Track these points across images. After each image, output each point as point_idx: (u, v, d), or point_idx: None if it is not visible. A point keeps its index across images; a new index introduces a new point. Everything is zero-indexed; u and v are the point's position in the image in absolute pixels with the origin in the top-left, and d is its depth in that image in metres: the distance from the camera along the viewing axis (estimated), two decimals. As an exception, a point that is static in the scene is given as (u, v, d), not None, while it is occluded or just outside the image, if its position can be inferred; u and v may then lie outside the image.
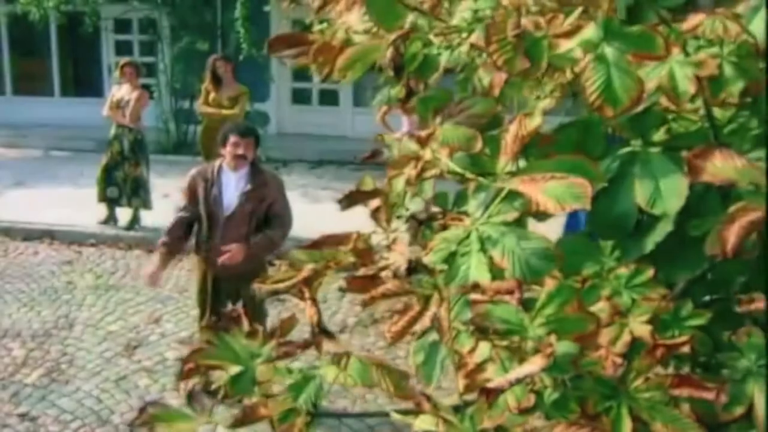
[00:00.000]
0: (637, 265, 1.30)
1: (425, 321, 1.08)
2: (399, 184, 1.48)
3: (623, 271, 1.32)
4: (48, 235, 7.86)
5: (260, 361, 1.19)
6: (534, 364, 0.93)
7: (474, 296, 1.07)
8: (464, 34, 1.54)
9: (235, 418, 0.99)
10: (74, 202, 8.82)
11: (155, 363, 5.41)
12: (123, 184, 7.73)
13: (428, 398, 0.95)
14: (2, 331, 5.85)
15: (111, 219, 7.98)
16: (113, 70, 12.52)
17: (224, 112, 7.54)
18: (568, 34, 1.09)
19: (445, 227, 1.48)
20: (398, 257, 1.53)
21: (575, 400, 1.02)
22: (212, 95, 7.54)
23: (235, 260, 4.48)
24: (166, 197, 8.44)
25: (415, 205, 1.53)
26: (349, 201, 1.57)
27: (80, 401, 4.92)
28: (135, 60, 8.12)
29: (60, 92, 13.05)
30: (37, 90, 12.99)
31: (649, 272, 1.29)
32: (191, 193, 4.66)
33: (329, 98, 12.54)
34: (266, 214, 4.62)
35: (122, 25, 12.21)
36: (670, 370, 1.19)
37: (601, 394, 1.03)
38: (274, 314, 5.19)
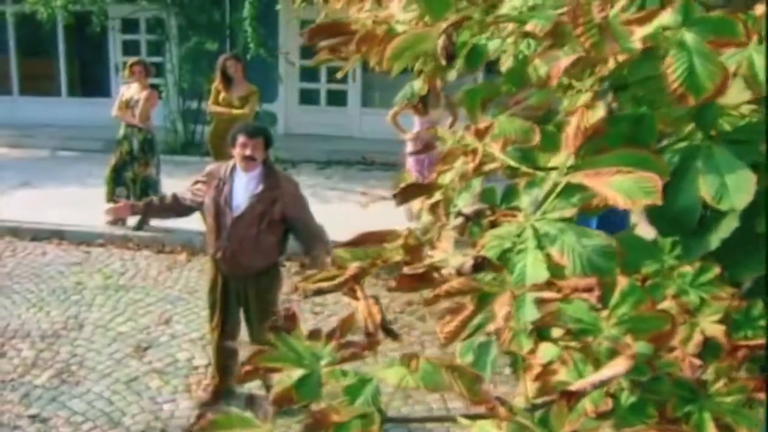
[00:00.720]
0: (702, 263, 1.24)
1: (498, 321, 1.02)
2: (448, 179, 1.42)
3: (688, 269, 1.26)
4: (56, 235, 7.81)
5: (324, 363, 1.13)
6: (618, 366, 0.87)
7: (547, 294, 1.02)
8: (513, 24, 1.49)
9: (306, 425, 0.93)
10: (82, 202, 8.76)
11: (166, 364, 5.36)
12: (132, 185, 7.69)
13: (503, 402, 0.89)
14: (11, 331, 5.80)
15: (120, 219, 7.91)
16: (120, 70, 12.50)
17: (234, 111, 7.49)
18: (643, 19, 1.03)
19: (494, 224, 1.43)
20: (445, 255, 1.48)
21: (653, 404, 0.97)
22: (222, 95, 7.49)
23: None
24: (175, 197, 8.43)
25: (461, 201, 1.48)
26: (403, 196, 1.51)
27: (91, 403, 4.87)
28: (144, 59, 8.06)
29: (67, 92, 13.01)
30: (44, 90, 12.95)
31: (716, 270, 1.24)
32: (203, 185, 4.62)
33: (337, 99, 12.50)
34: (284, 219, 4.56)
35: (129, 25, 12.17)
36: (741, 372, 1.13)
37: (680, 397, 0.98)
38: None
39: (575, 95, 1.65)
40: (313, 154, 11.18)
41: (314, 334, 1.16)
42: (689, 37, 1.05)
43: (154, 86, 8.03)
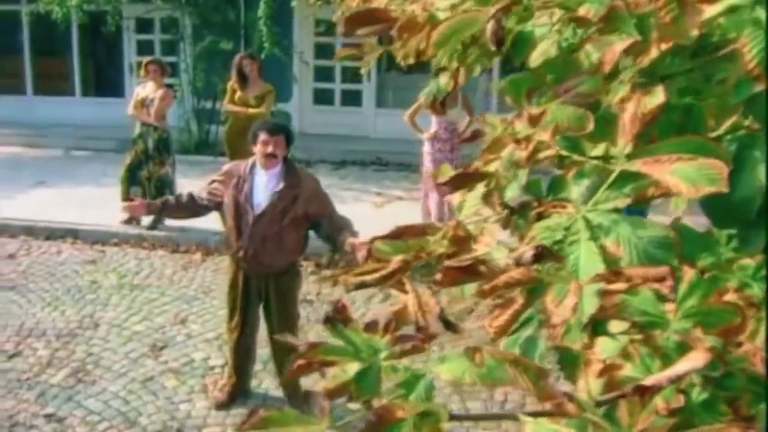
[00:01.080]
0: (766, 256, 1.19)
1: (565, 312, 0.97)
2: (494, 168, 1.37)
3: (749, 261, 1.21)
4: (71, 234, 7.80)
5: (383, 356, 1.09)
6: (694, 360, 0.82)
7: (614, 285, 0.97)
8: (559, 10, 1.44)
9: (369, 422, 0.88)
10: (97, 202, 8.76)
11: (182, 364, 5.32)
12: (147, 184, 7.66)
13: (571, 398, 0.84)
14: (27, 330, 5.78)
15: (134, 219, 7.90)
16: (135, 70, 12.51)
17: (250, 110, 7.46)
18: (714, -3, 0.99)
19: (541, 216, 1.38)
20: (488, 248, 1.43)
21: (725, 400, 0.92)
22: (238, 94, 7.46)
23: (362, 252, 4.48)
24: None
25: (510, 192, 1.43)
26: (455, 184, 1.46)
27: (107, 402, 4.84)
28: (159, 58, 8.04)
29: (81, 92, 13.03)
30: (58, 90, 12.97)
31: (779, 263, 1.18)
32: (221, 185, 4.57)
33: (352, 99, 12.47)
34: (307, 216, 4.51)
35: (144, 25, 12.17)
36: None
37: (754, 393, 0.93)
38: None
39: (619, 85, 1.60)
40: (328, 155, 11.14)
41: (371, 327, 1.11)
42: (763, 14, 1.00)
43: (169, 85, 8.00)
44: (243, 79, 7.45)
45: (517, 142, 1.27)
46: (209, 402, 4.84)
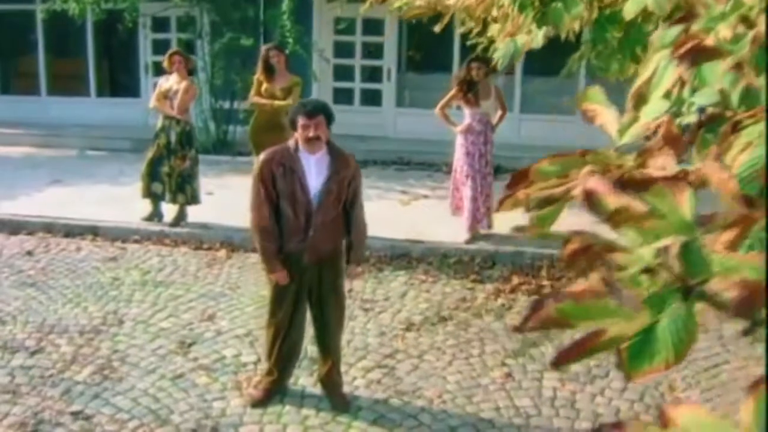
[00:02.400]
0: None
1: None
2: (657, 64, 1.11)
3: None
4: (90, 231, 7.55)
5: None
6: None
7: None
8: None
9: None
10: (115, 200, 8.53)
11: (213, 361, 5.05)
12: (168, 180, 7.41)
13: None
14: (48, 327, 5.52)
15: (155, 216, 7.65)
16: (150, 70, 12.31)
17: (276, 103, 7.21)
18: None
19: (736, 128, 1.11)
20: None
21: None
22: (264, 86, 7.21)
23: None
24: (210, 194, 8.17)
25: (703, 98, 1.16)
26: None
27: (136, 400, 4.57)
28: (182, 50, 7.80)
29: (96, 92, 12.82)
30: (73, 90, 12.76)
31: None
32: (265, 181, 4.26)
33: (371, 98, 12.23)
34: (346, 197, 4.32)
35: (160, 24, 11.96)
36: None
37: None
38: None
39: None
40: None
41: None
42: None
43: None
44: (269, 71, 7.21)
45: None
46: (244, 400, 4.57)
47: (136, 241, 7.39)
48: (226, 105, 11.19)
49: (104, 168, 10.28)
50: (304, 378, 4.82)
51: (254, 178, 4.31)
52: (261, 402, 4.53)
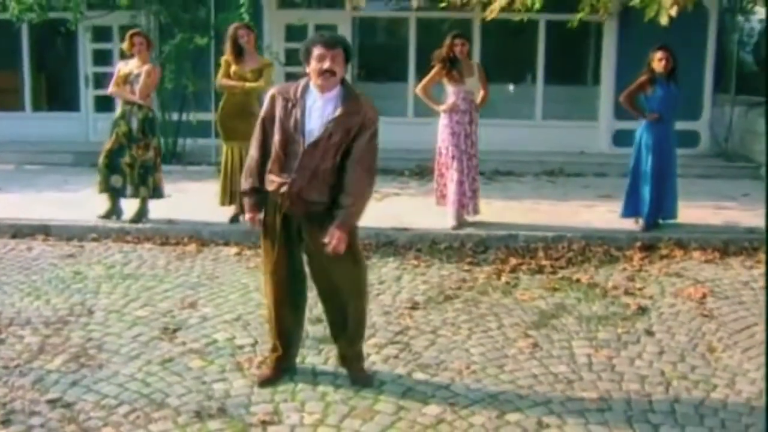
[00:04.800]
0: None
1: None
2: None
3: None
4: (42, 230, 6.82)
5: None
6: None
7: None
8: None
9: None
10: (65, 203, 7.84)
11: (204, 345, 4.46)
12: (129, 171, 6.78)
13: None
14: (6, 319, 4.82)
15: (114, 213, 6.99)
16: (91, 82, 11.60)
17: (248, 85, 6.70)
18: None
19: None
20: None
21: None
22: (233, 68, 6.68)
23: (340, 249, 3.70)
24: (168, 197, 7.45)
25: None
26: None
27: (122, 385, 3.94)
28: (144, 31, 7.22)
29: (32, 107, 11.98)
30: (6, 104, 11.88)
31: None
32: (265, 119, 3.80)
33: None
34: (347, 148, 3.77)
35: (101, 33, 11.31)
36: None
37: None
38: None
39: None
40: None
41: None
42: None
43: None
44: (238, 51, 6.69)
45: None
46: (249, 380, 3.99)
47: (94, 240, 6.71)
48: (175, 116, 10.58)
49: (46, 178, 9.50)
50: (312, 357, 4.29)
51: (259, 116, 3.85)
52: (269, 380, 3.96)
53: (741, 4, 13.62)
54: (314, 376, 4.07)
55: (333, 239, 3.67)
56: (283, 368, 4.03)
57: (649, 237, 6.65)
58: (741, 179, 9.85)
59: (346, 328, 3.97)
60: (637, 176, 6.86)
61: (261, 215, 3.85)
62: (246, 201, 3.89)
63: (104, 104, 11.60)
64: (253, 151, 3.85)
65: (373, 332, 4.61)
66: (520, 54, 11.91)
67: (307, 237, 3.82)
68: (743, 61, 11.86)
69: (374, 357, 4.31)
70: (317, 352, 4.35)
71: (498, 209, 7.62)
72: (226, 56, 6.77)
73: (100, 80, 11.51)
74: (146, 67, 6.71)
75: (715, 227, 6.98)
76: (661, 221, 6.93)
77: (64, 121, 11.68)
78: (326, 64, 3.64)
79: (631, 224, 6.95)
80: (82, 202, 7.74)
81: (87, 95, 11.70)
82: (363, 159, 3.72)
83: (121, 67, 6.85)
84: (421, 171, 9.86)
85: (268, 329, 4.11)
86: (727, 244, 6.53)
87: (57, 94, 12.27)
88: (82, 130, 11.72)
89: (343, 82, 3.77)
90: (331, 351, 4.26)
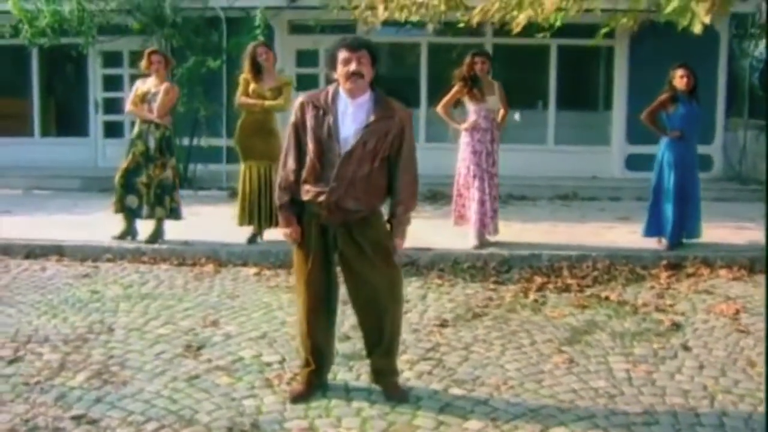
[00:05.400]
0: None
1: None
2: None
3: None
4: (55, 251, 6.71)
5: None
6: None
7: None
8: None
9: None
10: (78, 225, 7.72)
11: (231, 362, 4.32)
12: (145, 191, 6.68)
13: None
14: (24, 336, 4.69)
15: (129, 233, 6.87)
16: (100, 107, 11.56)
17: (267, 103, 6.63)
18: None
19: None
20: None
21: None
22: (252, 86, 6.62)
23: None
24: (183, 219, 7.34)
25: None
26: None
27: (149, 402, 3.80)
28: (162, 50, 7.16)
29: (40, 132, 11.92)
30: (15, 130, 11.81)
31: None
32: (297, 125, 3.72)
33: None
34: (389, 154, 3.70)
35: (111, 58, 11.29)
36: None
37: None
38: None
39: None
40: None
41: None
42: None
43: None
44: (257, 69, 6.64)
45: None
46: (280, 396, 3.85)
47: (108, 260, 6.58)
48: (186, 141, 10.51)
49: (55, 202, 9.40)
50: (343, 373, 4.15)
51: (289, 125, 3.75)
52: (302, 396, 3.82)
53: (750, 30, 13.70)
54: (347, 392, 3.93)
55: (396, 248, 3.74)
56: (315, 384, 3.89)
57: (675, 256, 6.53)
58: (756, 202, 9.75)
59: (382, 340, 3.84)
60: (660, 195, 6.77)
61: (298, 229, 3.72)
62: (282, 214, 3.75)
63: (114, 130, 11.58)
64: (290, 161, 3.71)
65: (404, 349, 4.47)
66: (531, 79, 11.89)
67: (344, 245, 3.72)
68: (754, 85, 11.83)
69: (407, 373, 4.17)
70: (348, 368, 4.22)
71: (516, 231, 7.51)
72: (245, 74, 6.72)
73: (110, 105, 11.50)
74: (164, 86, 6.65)
75: (740, 246, 6.86)
76: (684, 240, 6.82)
77: (72, 146, 11.62)
78: (353, 67, 3.57)
79: (653, 243, 6.84)
80: (95, 224, 7.64)
81: (96, 120, 11.65)
82: (408, 167, 3.73)
83: (139, 86, 6.79)
84: (434, 195, 9.76)
85: (300, 344, 3.98)
86: (753, 262, 6.41)
87: (66, 119, 12.24)
88: (90, 155, 11.66)
89: (372, 87, 3.70)
90: (363, 367, 4.14)
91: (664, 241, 6.77)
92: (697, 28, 4.23)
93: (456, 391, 3.96)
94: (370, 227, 3.73)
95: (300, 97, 3.79)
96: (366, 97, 3.67)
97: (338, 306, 3.94)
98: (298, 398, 3.81)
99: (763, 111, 11.17)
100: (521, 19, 4.99)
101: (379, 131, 3.62)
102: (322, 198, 3.62)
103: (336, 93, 3.68)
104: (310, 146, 3.65)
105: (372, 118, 3.62)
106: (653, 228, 6.87)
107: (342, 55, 3.61)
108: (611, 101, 11.58)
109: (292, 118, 3.76)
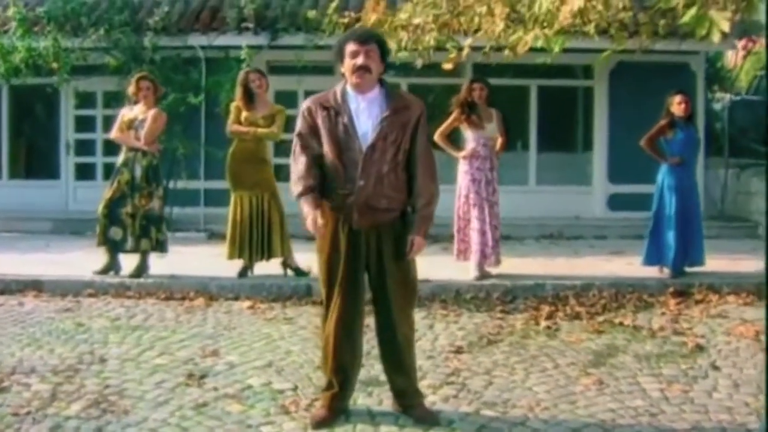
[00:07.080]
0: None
1: None
2: None
3: None
4: (33, 286, 6.30)
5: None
6: None
7: None
8: None
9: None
10: (55, 262, 7.31)
11: (239, 390, 4.00)
12: (130, 222, 6.34)
13: None
14: (9, 368, 4.32)
15: (112, 268, 6.49)
16: (72, 148, 11.19)
17: (260, 130, 6.41)
18: None
19: None
20: None
21: None
22: (244, 114, 6.39)
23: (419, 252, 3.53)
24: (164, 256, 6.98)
25: None
26: None
27: (155, 430, 3.46)
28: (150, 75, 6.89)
29: (8, 174, 11.47)
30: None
31: None
32: (303, 133, 3.51)
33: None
34: (409, 147, 3.50)
35: (84, 98, 10.98)
36: None
37: None
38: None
39: None
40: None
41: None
42: None
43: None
44: (249, 96, 6.43)
45: None
46: (299, 422, 3.54)
47: (90, 295, 6.19)
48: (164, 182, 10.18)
49: (26, 243, 8.93)
50: (363, 399, 3.86)
51: (294, 135, 3.55)
52: (325, 421, 3.52)
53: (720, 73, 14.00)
54: (372, 417, 3.64)
55: (414, 247, 3.47)
56: (338, 408, 3.59)
57: (680, 283, 6.39)
58: (741, 239, 9.73)
59: (402, 359, 3.58)
60: (661, 221, 6.66)
61: (321, 220, 3.46)
62: (304, 204, 3.47)
63: (85, 172, 11.19)
64: (301, 158, 3.49)
65: (422, 375, 4.19)
66: (511, 119, 11.87)
67: (376, 254, 3.49)
68: (731, 123, 12.00)
69: (432, 397, 3.90)
70: (367, 394, 3.92)
71: (515, 264, 7.30)
72: (237, 102, 6.50)
73: (82, 147, 11.15)
74: (152, 112, 6.39)
75: (745, 273, 6.75)
76: (686, 269, 6.69)
77: (42, 189, 11.17)
78: (360, 60, 3.40)
79: (654, 272, 6.69)
80: (72, 261, 7.26)
81: (68, 162, 11.23)
82: (425, 157, 3.54)
83: (125, 113, 6.52)
84: (434, 236, 9.51)
85: (322, 364, 3.68)
86: (760, 288, 6.28)
87: (36, 160, 11.81)
88: (61, 198, 11.21)
89: (381, 82, 3.52)
90: (383, 393, 3.85)
91: (666, 270, 6.63)
92: (716, 38, 4.16)
93: (488, 413, 3.70)
94: (393, 236, 3.50)
95: (305, 103, 3.58)
96: (376, 92, 3.50)
97: (364, 322, 3.67)
98: (320, 424, 3.50)
99: (740, 149, 11.30)
100: (529, 38, 4.92)
101: (396, 123, 3.45)
102: (351, 199, 3.40)
103: (344, 92, 3.49)
104: (328, 149, 3.44)
105: (387, 110, 3.44)
106: (653, 256, 6.73)
107: (350, 47, 3.44)
108: (591, 141, 11.60)
109: (297, 128, 3.55)
